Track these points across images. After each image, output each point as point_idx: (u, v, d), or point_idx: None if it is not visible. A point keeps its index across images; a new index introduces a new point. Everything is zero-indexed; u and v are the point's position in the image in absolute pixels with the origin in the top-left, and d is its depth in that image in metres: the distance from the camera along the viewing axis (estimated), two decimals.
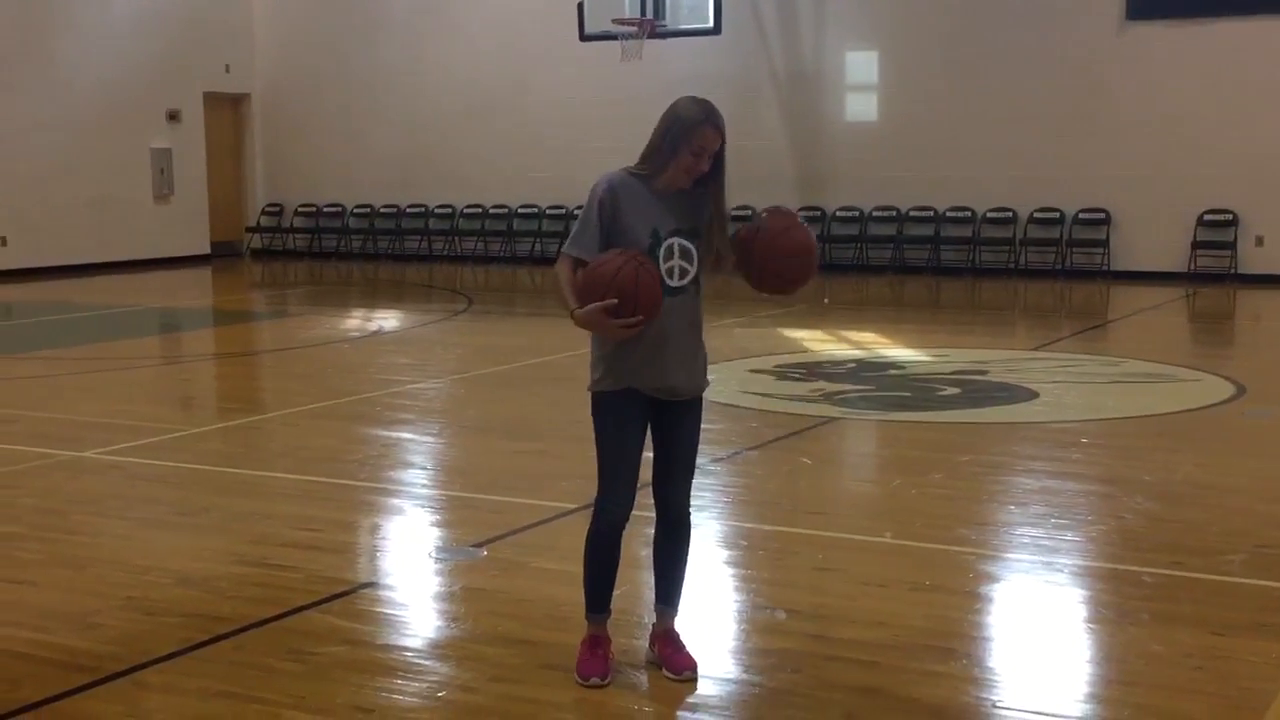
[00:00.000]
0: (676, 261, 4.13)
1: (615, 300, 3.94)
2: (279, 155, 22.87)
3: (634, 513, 4.26)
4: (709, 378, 4.35)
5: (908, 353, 11.46)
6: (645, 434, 4.25)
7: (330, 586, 5.25)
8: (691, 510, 4.38)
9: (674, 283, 4.12)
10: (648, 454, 4.27)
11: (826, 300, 16.07)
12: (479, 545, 5.81)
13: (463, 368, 11.22)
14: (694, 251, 4.14)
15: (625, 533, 4.28)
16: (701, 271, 4.19)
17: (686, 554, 4.39)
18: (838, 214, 18.97)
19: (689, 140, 4.06)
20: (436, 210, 21.64)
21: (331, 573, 5.46)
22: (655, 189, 4.14)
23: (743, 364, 10.61)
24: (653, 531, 4.39)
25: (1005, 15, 17.70)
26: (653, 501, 4.35)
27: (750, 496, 6.79)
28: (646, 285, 3.97)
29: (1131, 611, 4.88)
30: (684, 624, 4.43)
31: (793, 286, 4.29)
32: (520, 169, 20.54)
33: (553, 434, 8.10)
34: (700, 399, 4.31)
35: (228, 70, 22.14)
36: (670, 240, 4.12)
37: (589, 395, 4.23)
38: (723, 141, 4.10)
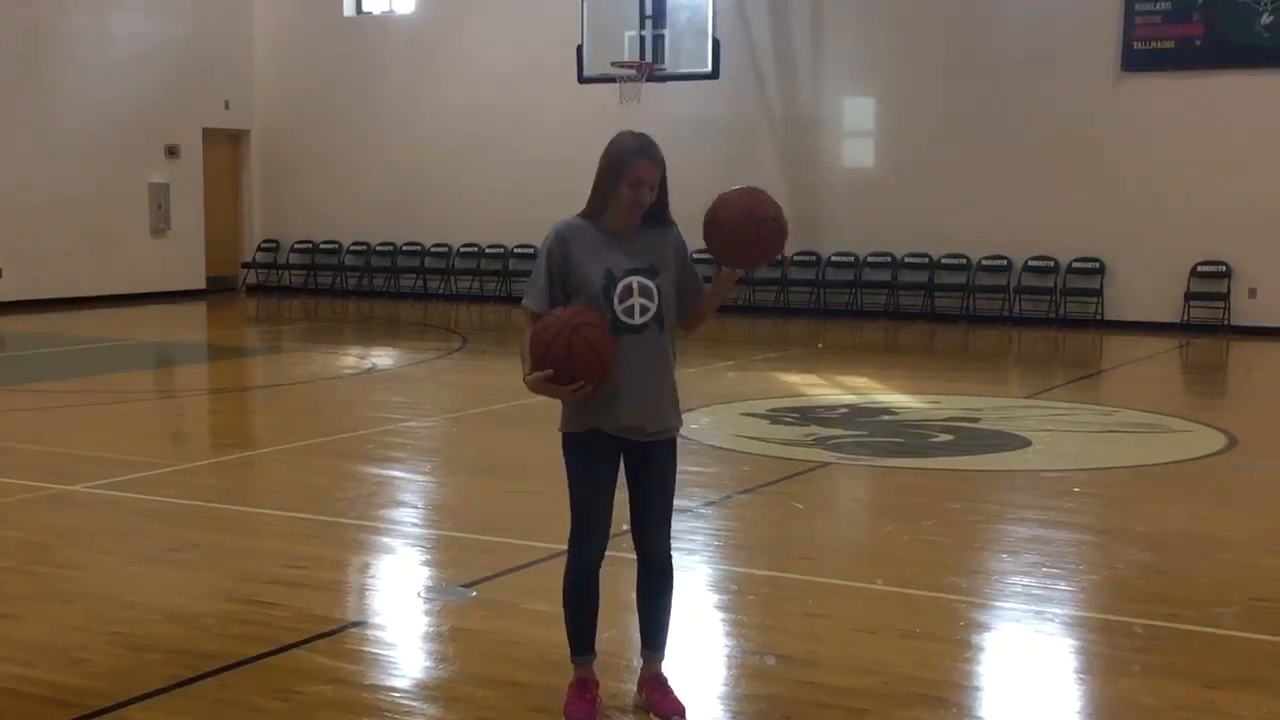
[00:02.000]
0: (636, 300, 4.12)
1: (552, 372, 3.96)
2: (276, 191, 22.92)
3: (623, 555, 4.24)
4: (682, 418, 4.31)
5: (901, 398, 11.46)
6: (615, 474, 4.23)
7: (318, 625, 5.23)
8: (674, 554, 4.34)
9: (635, 320, 4.11)
10: (624, 495, 4.25)
11: (821, 345, 16.09)
12: (469, 585, 5.78)
13: (456, 407, 11.20)
14: (654, 289, 4.13)
15: (611, 575, 4.26)
16: (669, 309, 4.18)
17: (669, 599, 4.36)
18: (833, 259, 19.01)
19: (624, 172, 4.09)
20: (432, 249, 21.67)
21: (320, 611, 5.43)
22: (608, 229, 4.15)
23: (736, 407, 10.61)
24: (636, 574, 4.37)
25: (1002, 65, 17.81)
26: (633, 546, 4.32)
27: (741, 540, 6.76)
28: (580, 352, 3.97)
29: (1123, 663, 4.86)
30: (673, 668, 4.40)
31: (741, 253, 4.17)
32: (517, 209, 20.57)
33: (544, 474, 8.03)
34: (672, 440, 4.28)
35: (227, 106, 22.21)
36: (628, 279, 4.11)
37: (560, 435, 4.23)
38: (663, 172, 4.14)
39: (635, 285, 4.11)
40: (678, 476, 4.33)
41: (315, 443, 9.24)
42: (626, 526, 4.32)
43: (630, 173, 4.08)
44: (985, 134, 17.91)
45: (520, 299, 4.28)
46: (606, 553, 4.26)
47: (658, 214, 4.19)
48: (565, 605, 4.29)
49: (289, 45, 22.56)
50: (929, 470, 8.55)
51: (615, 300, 4.10)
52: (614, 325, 4.10)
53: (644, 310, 4.12)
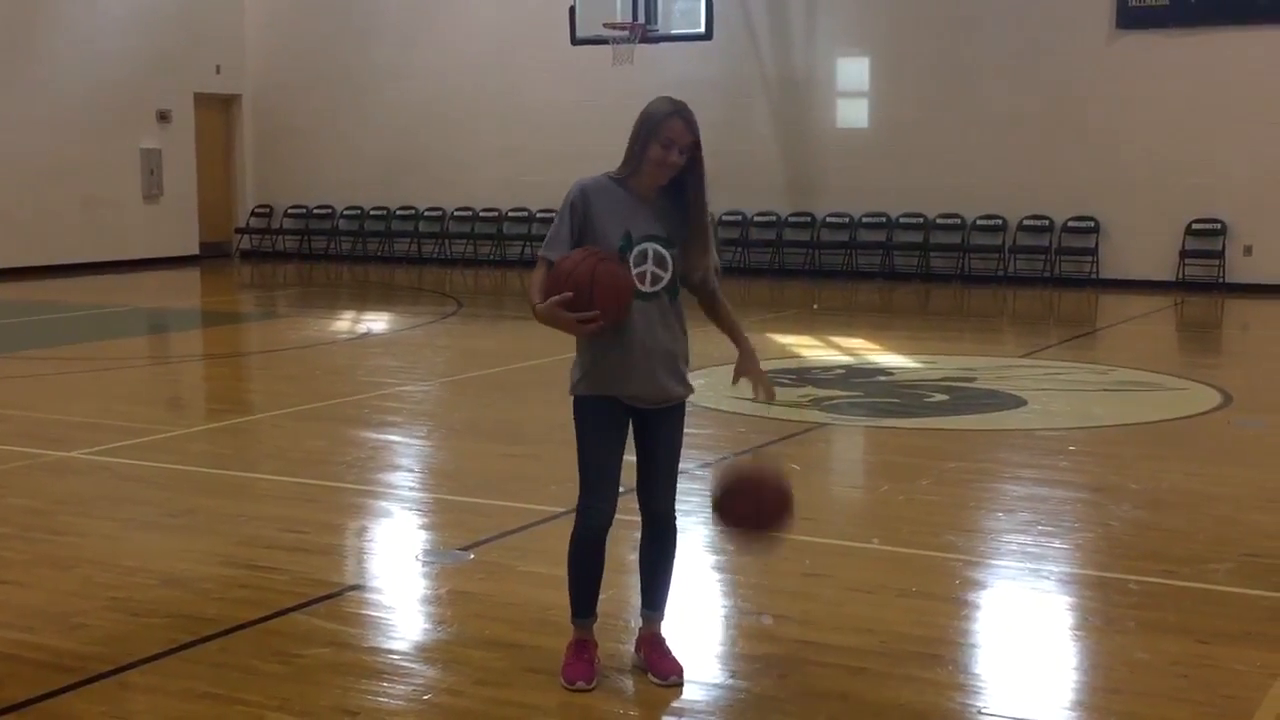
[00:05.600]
0: (649, 267, 4.11)
1: (570, 294, 3.93)
2: (269, 157, 22.84)
3: (621, 516, 4.26)
4: (694, 383, 4.33)
5: (897, 359, 11.47)
6: (625, 438, 4.23)
7: (316, 589, 5.24)
8: (678, 516, 4.37)
9: (646, 288, 4.10)
10: (631, 457, 4.27)
11: (816, 306, 16.08)
12: (466, 548, 5.80)
13: (451, 371, 11.20)
14: (669, 259, 4.12)
15: (610, 536, 4.28)
16: (681, 280, 4.18)
17: (672, 560, 4.38)
18: (828, 220, 18.98)
19: (657, 133, 4.06)
20: (426, 213, 21.62)
21: (318, 575, 5.45)
22: (634, 192, 4.13)
23: (731, 369, 10.60)
24: (639, 535, 4.39)
25: (996, 24, 17.73)
26: (638, 506, 4.34)
27: None
28: (604, 281, 3.95)
29: (1118, 619, 4.89)
30: (670, 628, 4.42)
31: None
32: (511, 172, 20.53)
33: (541, 438, 8.09)
34: (682, 405, 4.29)
35: (218, 71, 22.10)
36: (644, 245, 4.10)
37: (570, 398, 4.23)
38: (696, 142, 4.09)
39: (651, 252, 4.10)
40: None
41: (311, 407, 9.25)
42: (623, 489, 4.33)
43: (662, 133, 4.05)
44: (979, 93, 17.85)
45: (523, 266, 4.28)
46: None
47: (684, 186, 4.12)
48: (570, 566, 4.30)
49: (280, 8, 22.42)
50: (925, 430, 8.57)
51: (630, 264, 4.09)
52: None
53: (655, 279, 4.11)
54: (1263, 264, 16.79)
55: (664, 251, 4.12)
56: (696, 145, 4.10)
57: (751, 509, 4.15)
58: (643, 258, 4.11)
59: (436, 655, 4.61)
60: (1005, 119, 17.71)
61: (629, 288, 4.03)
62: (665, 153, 4.07)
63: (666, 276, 4.13)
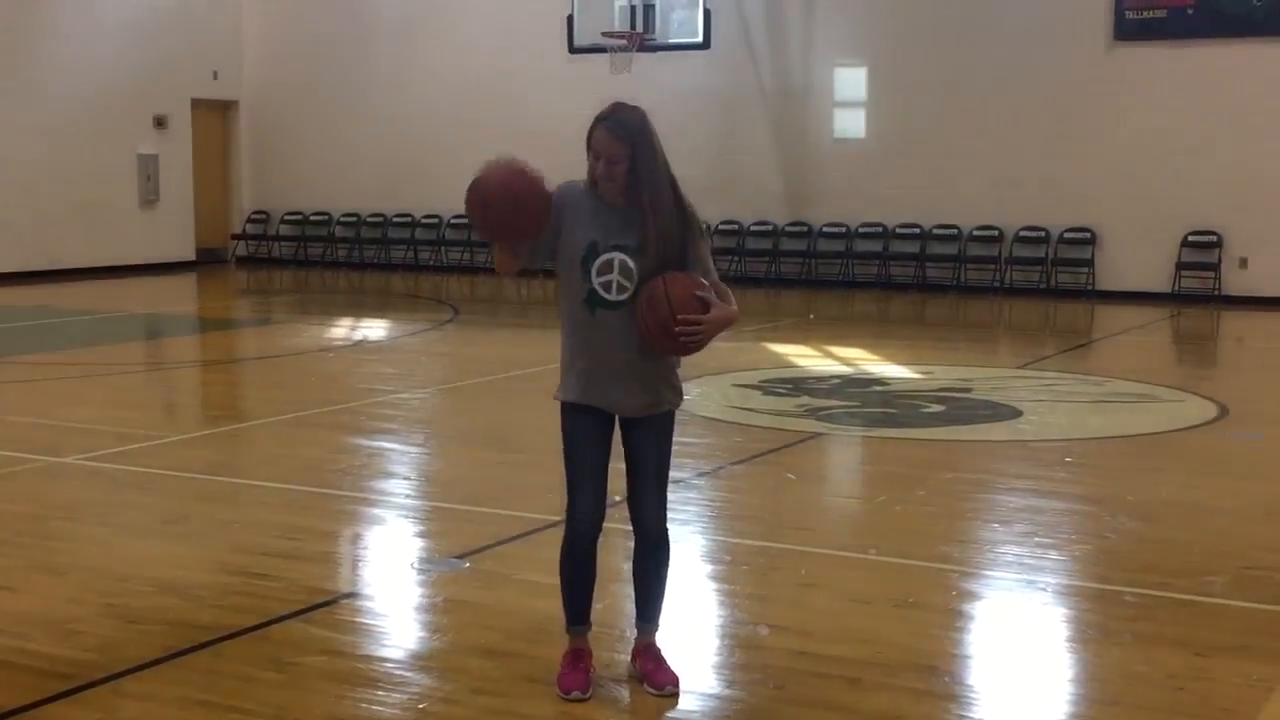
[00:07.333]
0: (615, 276, 4.04)
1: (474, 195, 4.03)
2: (266, 162, 22.83)
3: (616, 525, 4.25)
4: (681, 393, 4.26)
5: (893, 369, 11.46)
6: (609, 443, 4.20)
7: (311, 596, 5.23)
8: (669, 527, 4.33)
9: (611, 296, 4.06)
10: (622, 466, 4.25)
11: (812, 316, 16.09)
12: (461, 557, 5.79)
13: (448, 378, 11.19)
14: (634, 270, 4.04)
15: (604, 545, 4.26)
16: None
17: (665, 572, 4.34)
18: (824, 230, 18.98)
19: (588, 144, 4.04)
20: (423, 220, 21.61)
21: (313, 582, 5.44)
22: (605, 200, 4.08)
23: (728, 378, 10.61)
24: (633, 544, 4.37)
25: (994, 34, 17.76)
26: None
27: (734, 511, 6.77)
28: (498, 175, 4.06)
29: (1114, 631, 4.88)
30: (666, 638, 4.41)
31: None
32: None
33: (537, 446, 8.07)
34: (666, 414, 4.23)
35: (216, 77, 22.10)
36: (610, 255, 4.04)
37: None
38: (632, 149, 3.99)
39: (616, 262, 4.04)
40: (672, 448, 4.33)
41: (307, 414, 9.23)
42: (619, 498, 4.32)
43: (590, 144, 4.03)
44: (977, 104, 17.87)
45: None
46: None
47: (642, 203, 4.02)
48: (561, 574, 4.29)
49: (277, 14, 22.43)
50: (921, 441, 8.56)
51: (594, 273, 4.05)
52: (590, 298, 4.06)
53: (621, 289, 4.05)
54: (1258, 276, 16.80)
55: (630, 262, 4.04)
56: (635, 150, 4.00)
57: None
58: (608, 267, 4.05)
59: (431, 664, 4.59)
60: (1002, 130, 17.73)
61: (524, 183, 4.01)
62: (594, 163, 4.03)
63: (632, 287, 4.05)
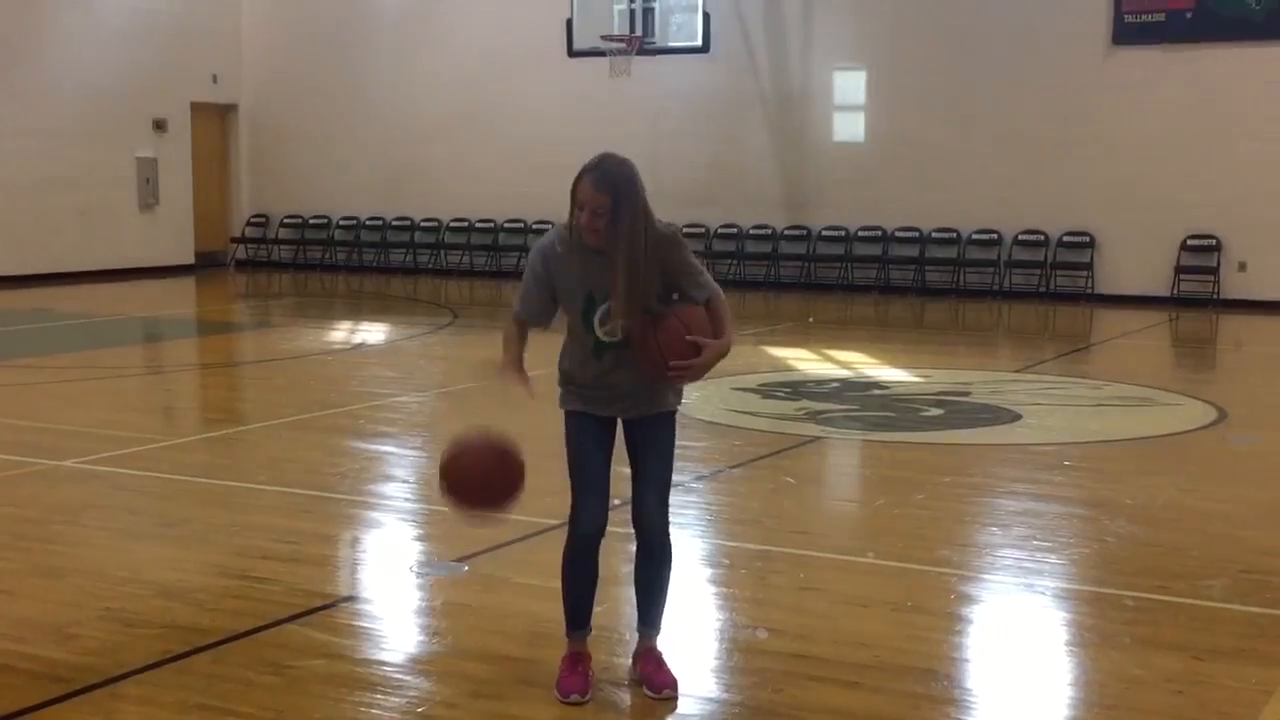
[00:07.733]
0: (617, 323, 4.08)
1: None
2: (265, 166, 22.84)
3: (616, 529, 4.25)
4: (681, 396, 4.31)
5: (892, 373, 11.47)
6: (611, 445, 4.24)
7: (310, 600, 5.23)
8: (671, 531, 4.33)
9: (616, 339, 4.11)
10: (624, 469, 4.25)
11: (811, 319, 16.09)
12: (461, 560, 5.79)
13: (446, 382, 11.20)
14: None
15: (605, 549, 4.27)
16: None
17: (666, 576, 4.35)
18: (823, 233, 18.99)
19: (573, 195, 4.01)
20: (422, 224, 21.62)
21: (312, 586, 5.43)
22: (591, 246, 4.05)
23: (727, 382, 10.60)
24: (634, 548, 4.37)
25: (993, 38, 17.78)
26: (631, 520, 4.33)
27: (733, 515, 6.77)
28: (474, 472, 4.26)
29: (1113, 635, 4.88)
30: (665, 641, 4.41)
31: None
32: (507, 183, 20.53)
33: (536, 449, 8.01)
34: (668, 414, 4.27)
35: (215, 80, 22.11)
36: (608, 304, 4.06)
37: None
38: (615, 200, 3.92)
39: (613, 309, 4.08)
40: None
41: (306, 418, 9.23)
42: (619, 501, 4.33)
43: (575, 194, 4.01)
44: (976, 107, 17.89)
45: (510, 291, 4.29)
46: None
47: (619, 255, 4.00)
48: (563, 579, 4.30)
49: (276, 18, 22.45)
50: (920, 444, 8.56)
51: (596, 324, 4.10)
52: (597, 346, 4.13)
53: (624, 330, 4.11)
54: (1257, 280, 16.81)
55: None
56: (617, 203, 3.93)
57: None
58: (609, 316, 4.09)
59: (431, 667, 4.59)
60: (1001, 133, 17.75)
61: (488, 474, 4.26)
62: (579, 214, 4.01)
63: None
